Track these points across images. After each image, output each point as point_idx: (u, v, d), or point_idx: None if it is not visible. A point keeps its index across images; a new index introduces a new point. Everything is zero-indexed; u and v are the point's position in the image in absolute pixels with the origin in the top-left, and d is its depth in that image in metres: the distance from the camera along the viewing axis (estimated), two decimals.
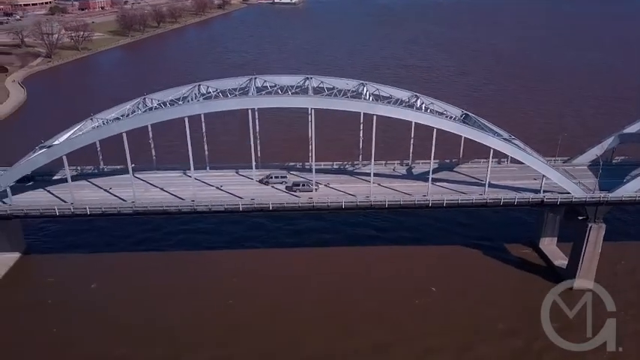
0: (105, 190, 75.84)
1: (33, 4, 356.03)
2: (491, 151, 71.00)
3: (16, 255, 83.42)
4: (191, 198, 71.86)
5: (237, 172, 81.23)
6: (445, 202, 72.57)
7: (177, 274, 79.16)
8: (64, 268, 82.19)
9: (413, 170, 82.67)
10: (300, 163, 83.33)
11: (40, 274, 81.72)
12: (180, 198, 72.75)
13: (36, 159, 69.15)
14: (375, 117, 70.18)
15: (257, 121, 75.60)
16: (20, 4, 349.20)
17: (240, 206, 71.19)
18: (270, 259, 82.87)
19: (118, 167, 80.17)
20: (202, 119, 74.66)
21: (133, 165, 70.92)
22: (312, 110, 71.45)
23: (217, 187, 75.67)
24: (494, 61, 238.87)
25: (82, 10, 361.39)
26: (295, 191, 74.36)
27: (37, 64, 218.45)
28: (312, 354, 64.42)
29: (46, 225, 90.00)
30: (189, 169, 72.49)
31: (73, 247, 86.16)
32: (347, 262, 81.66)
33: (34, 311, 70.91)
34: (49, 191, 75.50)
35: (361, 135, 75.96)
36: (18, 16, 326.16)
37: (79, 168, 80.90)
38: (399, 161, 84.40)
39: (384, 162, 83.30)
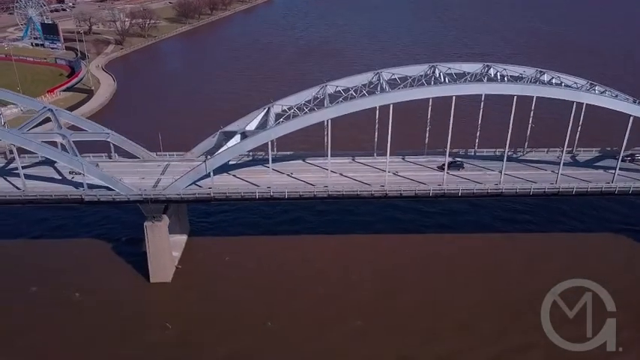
0: (288, 175, 78.42)
1: None
2: None
3: (184, 237, 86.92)
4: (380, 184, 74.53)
5: (402, 159, 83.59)
6: None
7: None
8: (230, 248, 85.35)
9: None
10: (463, 150, 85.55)
11: (213, 253, 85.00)
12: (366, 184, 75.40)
13: (244, 144, 71.85)
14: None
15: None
16: None
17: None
18: None
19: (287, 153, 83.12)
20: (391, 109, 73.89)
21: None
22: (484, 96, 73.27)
23: (394, 173, 77.86)
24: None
25: None
26: None
27: (112, 51, 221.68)
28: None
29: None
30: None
31: (220, 228, 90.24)
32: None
33: (225, 284, 76.21)
34: (235, 175, 78.43)
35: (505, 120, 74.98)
36: (71, 3, 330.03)
37: (251, 153, 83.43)
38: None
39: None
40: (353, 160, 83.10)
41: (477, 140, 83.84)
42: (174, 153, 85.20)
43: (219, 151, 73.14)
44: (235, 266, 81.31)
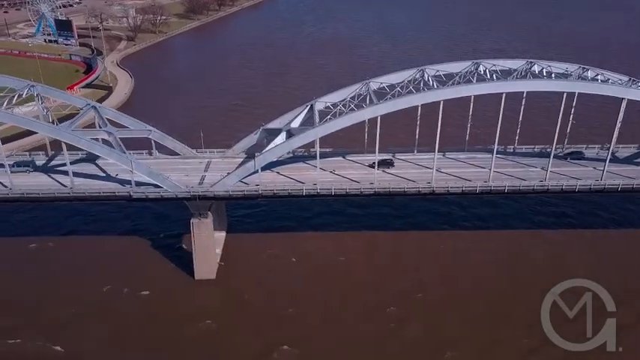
0: (330, 171, 78.61)
1: None
2: None
3: (223, 233, 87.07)
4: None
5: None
6: None
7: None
8: (267, 244, 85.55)
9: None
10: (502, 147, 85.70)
11: (251, 249, 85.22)
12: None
13: (292, 141, 71.90)
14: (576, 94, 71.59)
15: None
16: None
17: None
18: None
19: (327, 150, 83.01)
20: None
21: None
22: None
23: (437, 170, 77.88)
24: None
25: None
26: None
27: (125, 48, 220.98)
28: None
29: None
30: None
31: (255, 224, 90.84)
32: None
33: (268, 279, 77.42)
34: (278, 172, 78.54)
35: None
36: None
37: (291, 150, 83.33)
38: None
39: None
40: (393, 156, 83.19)
41: (517, 137, 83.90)
42: (215, 150, 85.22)
43: (268, 148, 73.22)
44: (276, 261, 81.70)
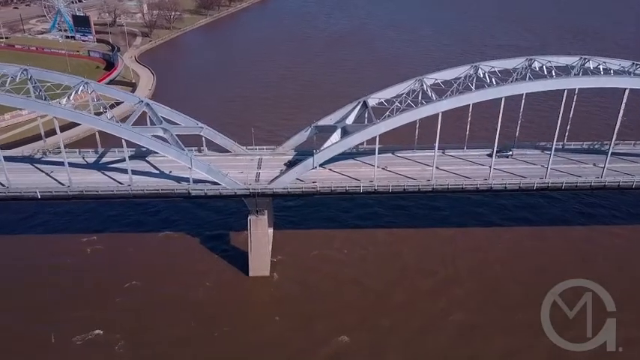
0: (383, 168, 78.43)
1: None
2: None
3: (271, 230, 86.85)
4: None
5: None
6: None
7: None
8: (312, 240, 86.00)
9: None
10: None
11: (298, 245, 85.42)
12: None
13: (352, 138, 71.61)
14: None
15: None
16: None
17: None
18: None
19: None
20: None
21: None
22: None
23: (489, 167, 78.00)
24: None
25: None
26: None
27: (141, 44, 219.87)
28: None
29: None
30: None
31: (297, 221, 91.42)
32: None
33: (320, 275, 78.22)
34: (330, 169, 78.37)
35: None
36: None
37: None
38: None
39: None
40: (443, 153, 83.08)
41: (567, 133, 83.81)
42: (264, 147, 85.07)
43: (326, 146, 73.00)
44: (324, 258, 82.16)
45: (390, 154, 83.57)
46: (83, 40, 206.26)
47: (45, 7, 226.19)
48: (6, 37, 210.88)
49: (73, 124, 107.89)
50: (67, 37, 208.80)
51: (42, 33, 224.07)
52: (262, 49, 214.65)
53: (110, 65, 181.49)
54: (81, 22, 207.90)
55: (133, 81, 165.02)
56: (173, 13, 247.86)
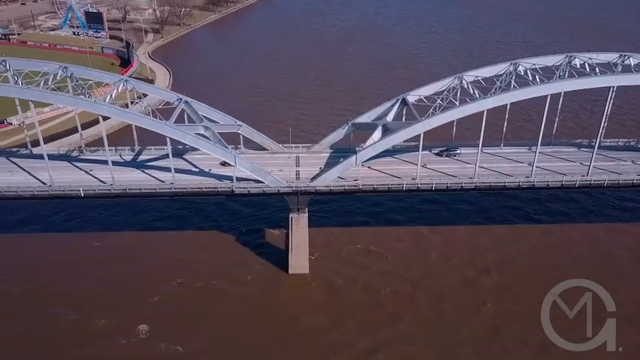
0: (422, 165, 78.04)
1: None
2: None
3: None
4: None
5: None
6: None
7: None
8: (345, 237, 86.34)
9: None
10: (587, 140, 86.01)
11: (333, 242, 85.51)
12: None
13: (397, 136, 71.29)
14: None
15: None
16: None
17: None
18: None
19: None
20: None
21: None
22: None
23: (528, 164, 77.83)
24: None
25: None
26: None
27: (153, 40, 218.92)
28: None
29: None
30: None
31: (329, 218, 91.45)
32: None
33: (359, 272, 78.64)
34: (369, 167, 78.07)
35: None
36: None
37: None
38: None
39: None
40: (481, 150, 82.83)
41: (603, 130, 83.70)
42: (300, 145, 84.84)
43: (369, 144, 72.87)
44: (361, 255, 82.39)
45: (427, 152, 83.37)
46: (96, 37, 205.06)
47: (56, 4, 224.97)
48: (18, 34, 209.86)
49: (97, 120, 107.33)
50: (78, 33, 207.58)
51: (53, 29, 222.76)
52: (274, 45, 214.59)
53: (124, 62, 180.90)
54: (94, 19, 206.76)
55: (150, 78, 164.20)
56: (183, 9, 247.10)
